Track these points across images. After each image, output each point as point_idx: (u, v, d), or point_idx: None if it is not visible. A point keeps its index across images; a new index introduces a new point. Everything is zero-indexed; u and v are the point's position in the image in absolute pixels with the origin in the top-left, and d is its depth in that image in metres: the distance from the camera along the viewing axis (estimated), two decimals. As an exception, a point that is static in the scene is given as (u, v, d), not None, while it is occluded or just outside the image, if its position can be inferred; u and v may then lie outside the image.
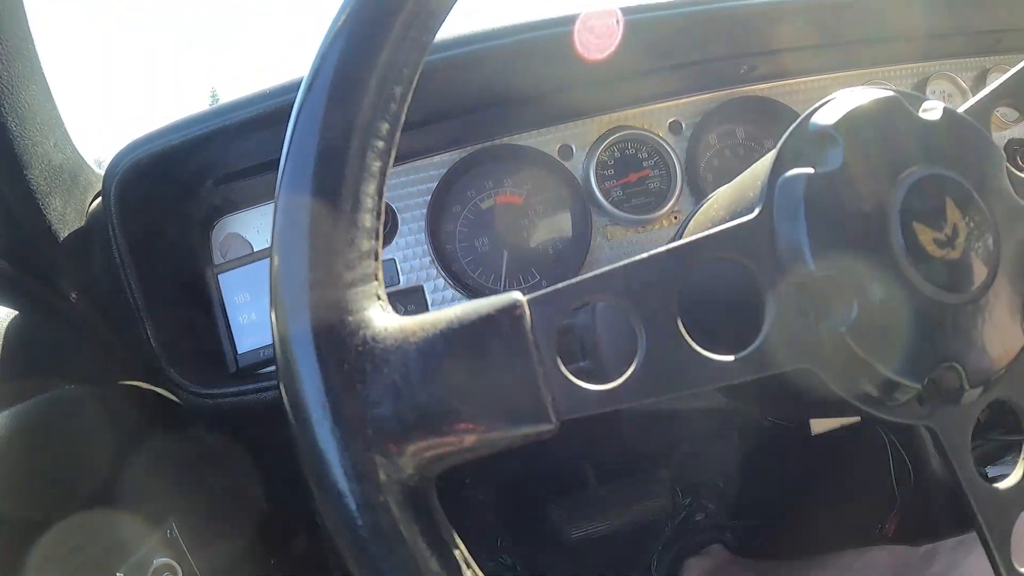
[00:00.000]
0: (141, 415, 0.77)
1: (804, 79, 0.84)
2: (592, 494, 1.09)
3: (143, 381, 0.74)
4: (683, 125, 0.81)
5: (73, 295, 0.72)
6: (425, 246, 0.75)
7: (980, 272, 0.36)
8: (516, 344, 0.29)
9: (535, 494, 1.11)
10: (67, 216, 0.70)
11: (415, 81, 0.33)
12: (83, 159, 0.74)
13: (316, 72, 0.32)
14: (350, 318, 0.29)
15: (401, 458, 0.28)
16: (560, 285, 0.31)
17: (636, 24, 0.70)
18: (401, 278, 0.75)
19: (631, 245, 0.78)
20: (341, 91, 0.31)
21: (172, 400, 0.76)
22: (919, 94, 0.40)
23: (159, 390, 0.75)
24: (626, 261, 0.32)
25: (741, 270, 0.43)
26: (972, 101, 0.41)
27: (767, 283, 0.33)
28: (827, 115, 0.37)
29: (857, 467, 1.05)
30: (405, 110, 0.33)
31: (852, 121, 0.36)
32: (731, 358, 0.32)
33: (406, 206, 0.76)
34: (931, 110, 0.38)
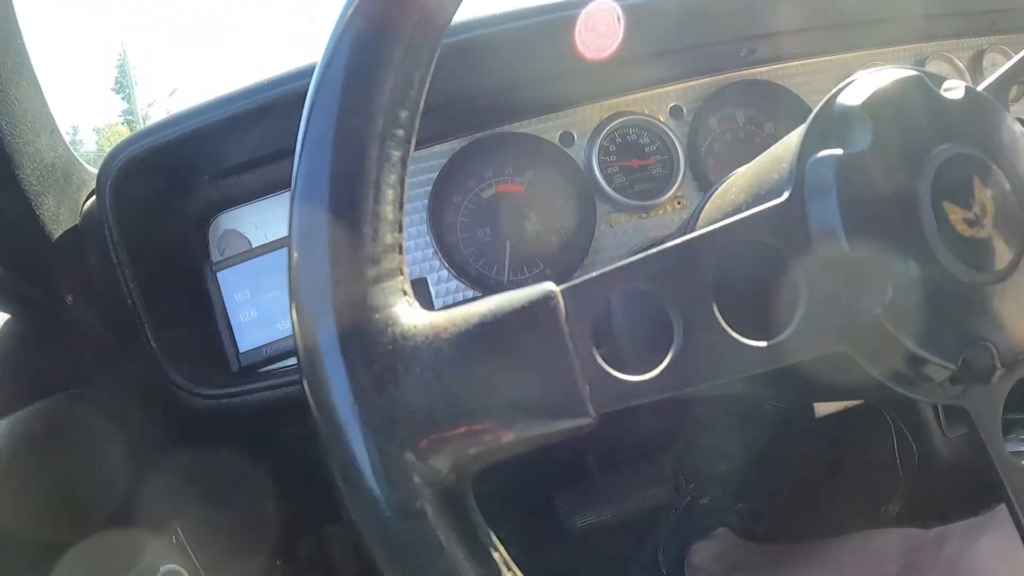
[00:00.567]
0: (142, 419, 0.75)
1: (803, 62, 0.84)
2: (595, 484, 1.08)
3: (143, 384, 0.72)
4: (684, 110, 0.80)
5: (69, 297, 0.70)
6: (427, 237, 0.74)
7: (1008, 250, 0.36)
8: (552, 337, 0.28)
9: (538, 485, 1.11)
10: (61, 216, 0.68)
11: (433, 65, 0.32)
12: (76, 157, 0.72)
13: (331, 58, 0.31)
14: (377, 316, 0.28)
15: (436, 459, 0.27)
16: (593, 274, 0.30)
17: (635, 9, 0.69)
18: (405, 269, 0.74)
19: (635, 232, 0.77)
20: (358, 77, 0.30)
21: (174, 402, 0.74)
22: (938, 74, 0.40)
23: (160, 392, 0.74)
24: (659, 247, 0.31)
25: (765, 256, 0.42)
26: (991, 79, 0.41)
27: (800, 265, 0.33)
28: (853, 96, 0.36)
29: (861, 449, 1.06)
30: (424, 96, 0.32)
31: (878, 101, 0.36)
32: (765, 344, 0.31)
33: (407, 197, 0.74)
34: (953, 89, 0.38)
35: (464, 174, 0.77)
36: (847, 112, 0.36)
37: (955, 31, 0.90)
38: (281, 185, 0.76)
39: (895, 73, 0.37)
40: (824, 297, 0.33)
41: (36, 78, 0.65)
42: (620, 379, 0.29)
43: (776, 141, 0.42)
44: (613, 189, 0.77)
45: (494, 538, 0.30)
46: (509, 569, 0.29)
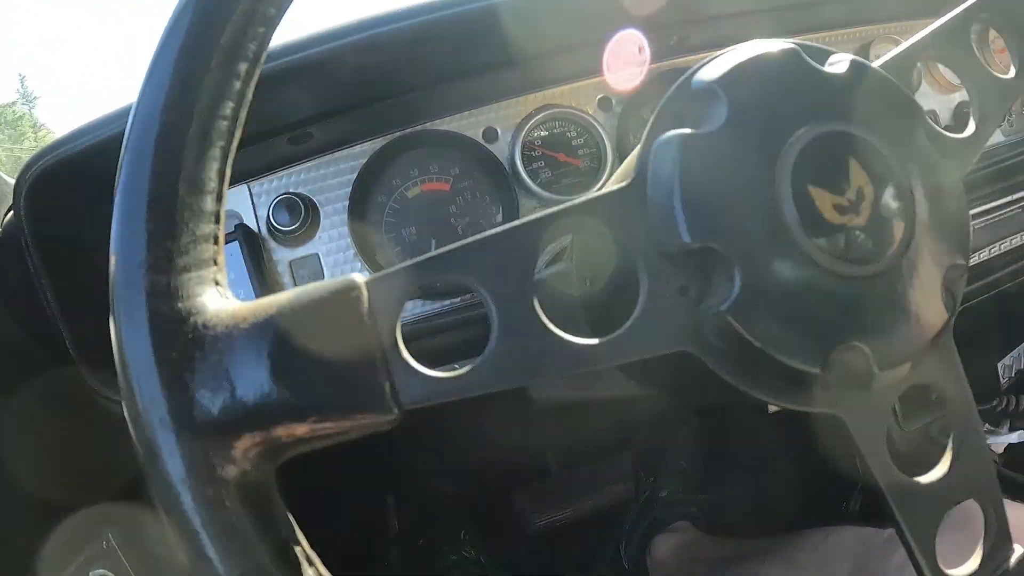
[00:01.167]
0: (69, 424, 0.75)
1: (739, 48, 0.81)
2: (554, 482, 1.07)
3: (66, 391, 0.72)
4: (613, 101, 0.78)
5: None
6: (348, 239, 0.73)
7: (891, 240, 0.33)
8: (352, 328, 0.28)
9: (496, 484, 1.10)
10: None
11: (263, 58, 0.31)
12: (-7, 170, 0.72)
13: (159, 52, 0.30)
14: (181, 305, 0.27)
15: (232, 450, 0.27)
16: (403, 264, 0.29)
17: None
18: (325, 272, 0.73)
19: (563, 228, 0.75)
20: (182, 70, 0.29)
21: (98, 409, 0.74)
22: (828, 48, 0.37)
23: (84, 399, 0.73)
24: (477, 236, 0.30)
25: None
26: (890, 55, 0.38)
27: (639, 257, 0.31)
28: (711, 70, 0.34)
29: (819, 444, 1.03)
30: (252, 87, 0.31)
31: (739, 75, 0.33)
32: (596, 341, 0.29)
33: (327, 199, 0.73)
34: (837, 63, 0.35)
35: (388, 173, 0.76)
36: (703, 88, 0.33)
37: (902, 13, 0.87)
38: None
39: (766, 45, 0.35)
40: (668, 292, 0.31)
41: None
42: (428, 375, 0.28)
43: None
44: (538, 184, 0.75)
45: (297, 532, 0.29)
46: (312, 564, 0.29)
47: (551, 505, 1.07)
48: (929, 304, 0.33)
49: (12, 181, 0.73)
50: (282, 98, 0.65)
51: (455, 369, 0.28)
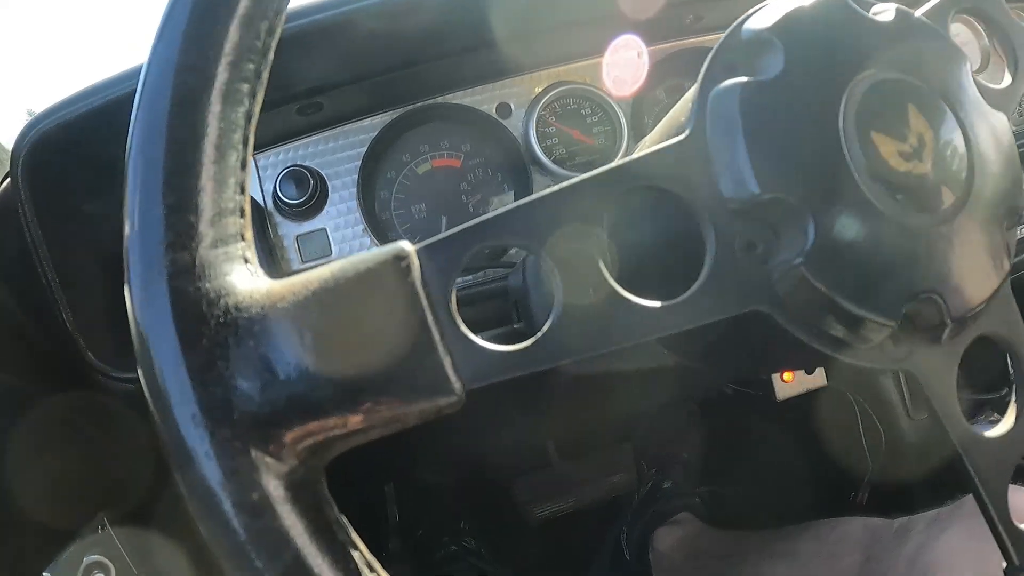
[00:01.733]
0: (65, 405, 0.73)
1: (754, 28, 0.80)
2: (555, 472, 1.06)
3: (60, 366, 0.70)
4: (628, 79, 0.77)
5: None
6: (357, 214, 0.71)
7: (954, 188, 0.31)
8: (405, 301, 0.25)
9: (496, 475, 1.08)
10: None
11: (284, 12, 0.29)
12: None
13: (171, 7, 0.27)
14: (209, 284, 0.24)
15: (277, 448, 0.24)
16: (456, 229, 0.27)
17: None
18: (333, 248, 0.71)
19: (576, 206, 0.74)
20: (197, 28, 0.26)
21: (99, 388, 0.72)
22: None
23: (78, 376, 0.71)
24: (533, 196, 0.27)
25: (668, 206, 0.38)
26: (928, 5, 0.37)
27: (705, 213, 0.29)
28: (762, 19, 0.32)
29: (827, 434, 1.03)
30: (274, 46, 0.28)
31: (792, 23, 0.32)
32: (668, 304, 0.27)
33: (336, 173, 0.71)
34: (883, 12, 0.34)
35: (398, 148, 0.74)
36: (755, 37, 0.32)
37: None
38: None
39: None
40: (736, 249, 0.29)
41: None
42: (491, 349, 0.25)
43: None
44: (553, 161, 0.73)
45: (354, 535, 0.26)
46: (373, 570, 0.26)
47: (552, 496, 1.06)
48: (994, 250, 0.32)
49: (9, 146, 0.71)
50: (293, 64, 0.63)
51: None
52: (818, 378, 0.92)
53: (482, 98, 0.74)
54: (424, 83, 0.73)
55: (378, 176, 0.74)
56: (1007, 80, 0.38)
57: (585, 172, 0.73)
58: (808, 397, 0.93)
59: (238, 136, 0.27)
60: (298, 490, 0.24)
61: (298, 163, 0.70)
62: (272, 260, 0.70)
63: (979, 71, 0.55)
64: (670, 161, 0.30)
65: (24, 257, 0.67)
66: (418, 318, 0.25)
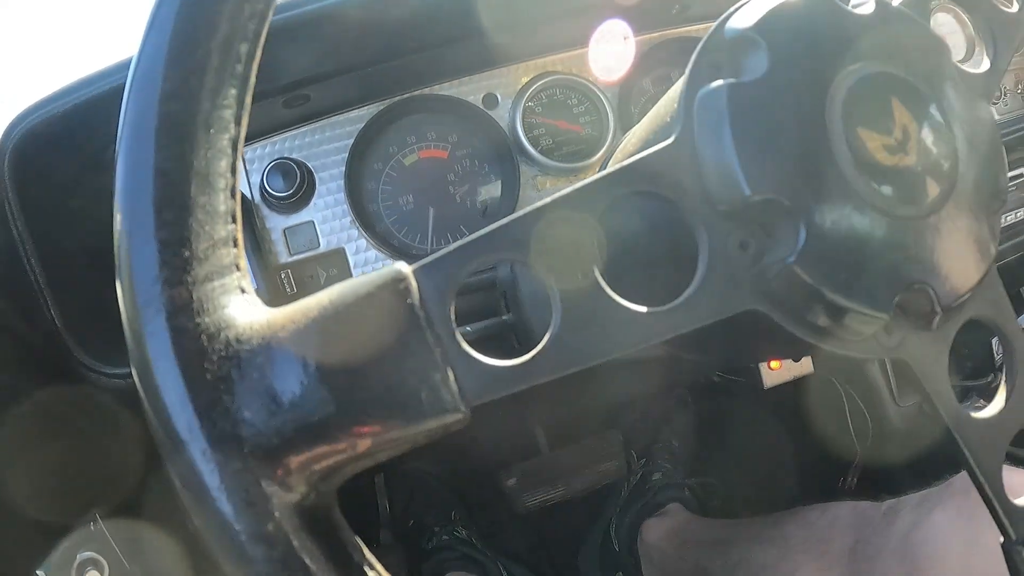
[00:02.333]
0: (54, 400, 0.72)
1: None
2: (544, 461, 1.06)
3: (46, 362, 0.69)
4: (614, 69, 0.77)
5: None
6: (345, 206, 0.71)
7: (939, 178, 0.32)
8: (405, 323, 0.25)
9: (485, 464, 1.08)
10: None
11: (263, 36, 0.28)
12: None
13: (149, 33, 0.27)
14: (208, 319, 0.25)
15: (288, 476, 0.24)
16: (451, 247, 0.27)
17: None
18: (321, 241, 0.71)
19: (564, 196, 0.74)
20: (178, 54, 0.26)
21: (88, 383, 0.71)
22: None
23: (65, 372, 0.71)
24: (526, 209, 0.28)
25: (657, 211, 0.38)
26: None
27: (696, 216, 0.29)
28: (744, 18, 0.33)
29: (815, 421, 1.04)
30: (254, 70, 0.28)
31: (774, 21, 0.32)
32: (664, 308, 0.28)
33: (323, 164, 0.71)
34: (863, 4, 0.34)
35: (384, 139, 0.74)
36: (739, 36, 0.32)
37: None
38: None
39: None
40: (728, 250, 0.29)
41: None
42: (493, 365, 0.25)
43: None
44: (539, 151, 0.73)
45: (368, 554, 0.27)
46: None
47: (541, 485, 1.06)
48: (981, 237, 0.33)
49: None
50: (280, 56, 0.63)
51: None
52: (805, 365, 0.92)
53: (468, 89, 0.74)
54: (410, 74, 0.73)
55: (365, 168, 0.74)
56: (986, 64, 0.39)
57: (572, 162, 0.74)
58: (795, 384, 0.94)
59: (225, 164, 0.27)
60: (311, 516, 0.25)
61: (285, 155, 0.70)
62: (259, 254, 0.69)
63: (964, 60, 0.56)
64: (660, 167, 0.30)
65: (11, 254, 0.67)
66: (419, 339, 0.25)
